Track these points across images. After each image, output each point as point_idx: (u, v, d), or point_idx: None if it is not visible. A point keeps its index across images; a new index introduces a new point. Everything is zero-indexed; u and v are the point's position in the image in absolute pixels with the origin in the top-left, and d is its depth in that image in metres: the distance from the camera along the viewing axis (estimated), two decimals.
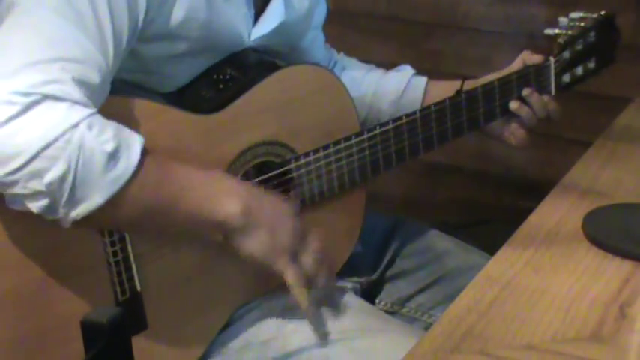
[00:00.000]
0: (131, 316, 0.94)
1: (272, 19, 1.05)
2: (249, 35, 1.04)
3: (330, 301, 1.02)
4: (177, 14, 0.95)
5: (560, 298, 0.85)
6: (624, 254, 0.91)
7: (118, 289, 0.93)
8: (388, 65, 1.37)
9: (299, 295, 0.94)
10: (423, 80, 1.21)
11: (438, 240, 1.22)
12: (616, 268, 0.90)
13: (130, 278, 0.94)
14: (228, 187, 0.93)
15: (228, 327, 1.03)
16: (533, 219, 1.01)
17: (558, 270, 0.90)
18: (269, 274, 0.95)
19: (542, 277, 0.89)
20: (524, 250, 0.94)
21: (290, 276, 0.93)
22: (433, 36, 1.88)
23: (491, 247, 0.97)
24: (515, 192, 1.82)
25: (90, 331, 0.70)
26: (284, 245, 0.94)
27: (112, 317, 0.71)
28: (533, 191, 1.11)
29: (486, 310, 0.83)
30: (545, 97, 1.13)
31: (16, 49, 0.84)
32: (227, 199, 0.91)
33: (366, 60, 1.33)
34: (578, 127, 1.42)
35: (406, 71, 1.22)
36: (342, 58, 1.27)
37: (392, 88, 1.20)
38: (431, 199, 1.99)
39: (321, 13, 1.18)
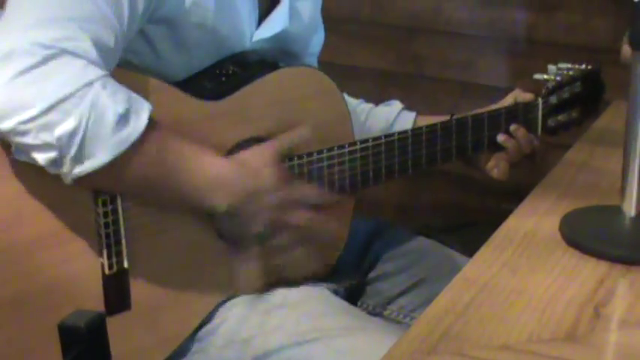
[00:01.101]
0: (115, 294, 0.95)
1: (275, 24, 1.07)
2: (251, 36, 1.05)
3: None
4: None
5: (537, 299, 0.85)
6: (600, 255, 0.92)
7: (106, 262, 0.94)
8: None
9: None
10: (411, 114, 1.25)
11: (419, 243, 1.23)
12: (592, 269, 0.91)
13: (119, 253, 0.94)
14: (219, 177, 0.95)
15: (210, 324, 1.03)
16: (511, 221, 1.02)
17: (535, 271, 0.91)
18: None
19: (519, 279, 0.89)
20: (502, 251, 0.94)
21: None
22: (416, 40, 1.89)
23: (475, 250, 0.98)
24: (498, 195, 1.83)
25: (67, 335, 0.70)
26: (257, 231, 0.98)
27: (90, 321, 0.72)
28: (515, 194, 1.12)
29: (463, 312, 0.84)
30: (532, 135, 1.16)
31: (37, 5, 0.86)
32: (216, 191, 0.94)
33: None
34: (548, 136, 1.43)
35: (395, 105, 1.26)
36: None
37: (382, 119, 1.24)
38: (416, 202, 2.00)
39: (319, 40, 1.20)
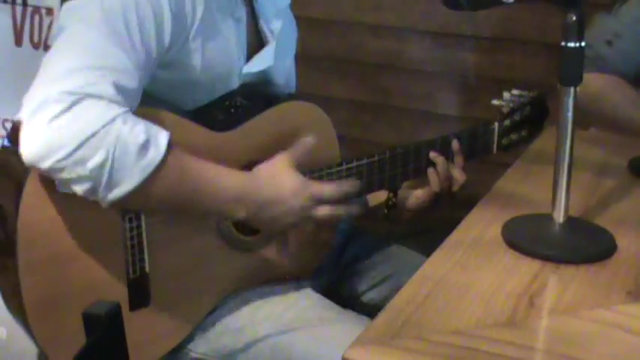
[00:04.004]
0: (138, 293, 0.97)
1: (263, 61, 1.08)
2: (240, 71, 1.06)
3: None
4: (191, 44, 0.97)
5: (483, 291, 0.87)
6: (534, 255, 0.94)
7: (130, 269, 0.96)
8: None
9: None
10: None
11: (386, 246, 1.25)
12: (527, 266, 0.93)
13: (142, 260, 0.96)
14: (237, 191, 0.95)
15: (210, 315, 1.04)
16: (461, 227, 1.03)
17: (481, 268, 0.92)
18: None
19: (468, 275, 0.91)
20: (454, 252, 0.96)
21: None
22: (383, 75, 1.91)
23: (432, 252, 0.98)
24: (450, 206, 1.85)
25: (90, 321, 0.72)
26: (284, 229, 1.00)
27: (109, 310, 0.73)
28: (466, 205, 1.13)
29: (422, 303, 0.85)
30: (456, 164, 1.09)
31: (65, 60, 0.87)
32: (234, 205, 0.94)
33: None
34: (502, 152, 1.45)
35: None
36: None
37: None
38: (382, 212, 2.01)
39: (295, 43, 1.20)
